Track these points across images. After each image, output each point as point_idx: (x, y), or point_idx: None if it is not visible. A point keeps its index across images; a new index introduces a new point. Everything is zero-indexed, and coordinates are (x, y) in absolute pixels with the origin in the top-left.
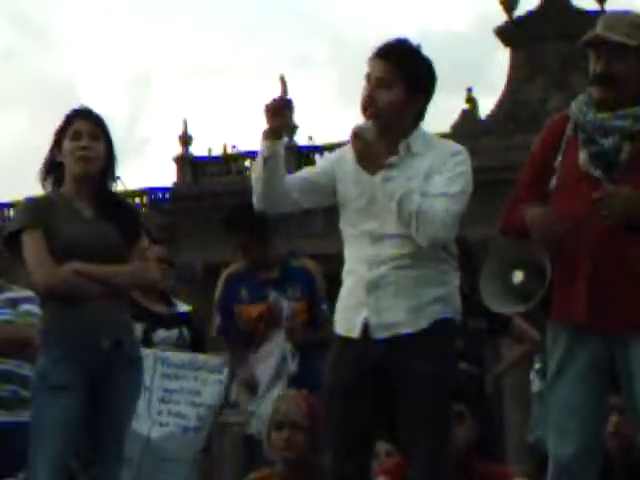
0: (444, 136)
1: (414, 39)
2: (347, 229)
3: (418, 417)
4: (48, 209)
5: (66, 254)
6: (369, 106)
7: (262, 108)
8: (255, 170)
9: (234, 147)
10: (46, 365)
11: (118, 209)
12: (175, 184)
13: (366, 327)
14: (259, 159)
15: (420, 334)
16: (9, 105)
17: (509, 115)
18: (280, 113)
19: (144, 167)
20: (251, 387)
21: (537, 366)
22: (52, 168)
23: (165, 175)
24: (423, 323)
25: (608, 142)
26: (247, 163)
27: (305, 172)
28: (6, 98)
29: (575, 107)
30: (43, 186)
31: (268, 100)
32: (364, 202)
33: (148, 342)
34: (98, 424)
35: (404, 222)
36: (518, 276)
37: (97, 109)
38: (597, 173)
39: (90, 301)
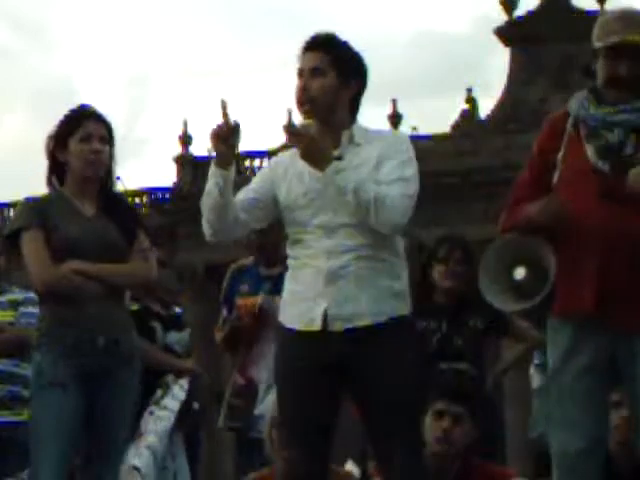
0: (444, 136)
1: (412, 40)
2: (297, 229)
3: (388, 414)
4: (48, 208)
5: (67, 253)
6: (304, 97)
7: (209, 135)
8: (207, 201)
9: None
10: (43, 363)
11: (118, 208)
12: (175, 184)
13: (325, 319)
14: (212, 188)
15: (381, 328)
16: (8, 105)
17: (509, 115)
18: (227, 139)
19: (144, 167)
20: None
21: (536, 361)
22: (56, 167)
23: (165, 175)
24: (384, 317)
25: (613, 136)
26: (247, 163)
27: (244, 191)
28: (5, 98)
29: (574, 103)
30: (48, 185)
31: (214, 127)
32: (312, 196)
33: (164, 345)
34: (96, 423)
35: (362, 212)
36: (520, 273)
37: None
38: (605, 167)
39: (87, 300)
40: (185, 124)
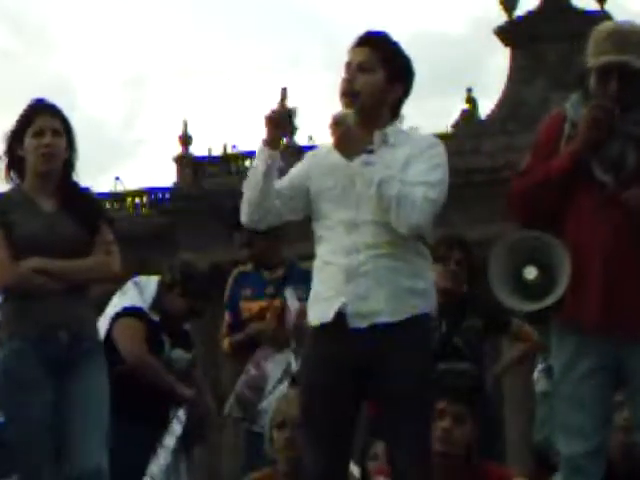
0: (444, 136)
1: (412, 40)
2: (320, 224)
3: (402, 410)
4: (8, 206)
5: (27, 250)
6: (348, 90)
7: (264, 118)
8: (251, 181)
9: (234, 147)
10: (6, 361)
11: (80, 202)
12: (175, 184)
13: (342, 316)
14: (259, 169)
15: (400, 326)
16: (5, 106)
17: (509, 115)
18: (281, 124)
19: (144, 167)
20: (255, 389)
21: (541, 366)
22: (14, 163)
23: (165, 175)
24: (403, 315)
25: (615, 146)
26: (247, 163)
27: (280, 181)
28: (2, 99)
29: (570, 107)
30: (7, 182)
31: (269, 110)
32: (338, 191)
33: (168, 360)
34: (68, 417)
35: (383, 207)
36: (531, 272)
37: (94, 110)
38: (606, 177)
39: (47, 296)
40: (185, 124)
